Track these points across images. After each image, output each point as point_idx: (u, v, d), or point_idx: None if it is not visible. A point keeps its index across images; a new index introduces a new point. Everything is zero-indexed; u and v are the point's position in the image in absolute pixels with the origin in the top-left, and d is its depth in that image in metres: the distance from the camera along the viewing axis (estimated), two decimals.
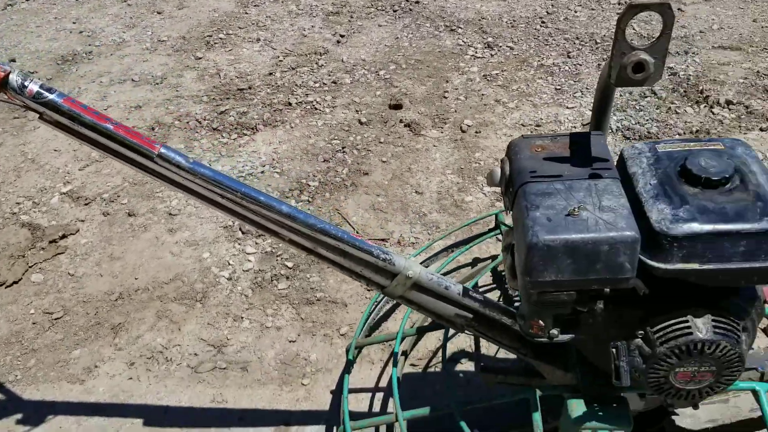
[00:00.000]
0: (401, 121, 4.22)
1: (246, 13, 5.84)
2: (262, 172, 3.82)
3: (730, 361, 1.84)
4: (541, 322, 1.84)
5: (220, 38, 5.40)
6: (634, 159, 1.93)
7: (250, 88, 4.38)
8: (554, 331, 1.85)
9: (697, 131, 3.95)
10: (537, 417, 2.14)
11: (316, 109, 4.36)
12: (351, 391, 2.70)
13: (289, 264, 3.26)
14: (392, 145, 3.93)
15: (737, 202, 1.73)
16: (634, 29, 5.17)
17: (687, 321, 1.84)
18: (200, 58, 5.04)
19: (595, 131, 2.05)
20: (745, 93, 4.09)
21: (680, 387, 1.90)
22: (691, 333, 1.81)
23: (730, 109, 4.13)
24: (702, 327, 1.83)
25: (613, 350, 1.84)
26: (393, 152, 3.97)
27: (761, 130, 3.94)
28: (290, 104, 4.39)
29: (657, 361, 1.84)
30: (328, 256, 2.01)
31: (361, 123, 4.22)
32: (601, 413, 2.05)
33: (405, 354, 2.65)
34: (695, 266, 1.71)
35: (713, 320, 1.83)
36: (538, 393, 2.21)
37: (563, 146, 1.96)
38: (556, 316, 1.85)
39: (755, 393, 2.14)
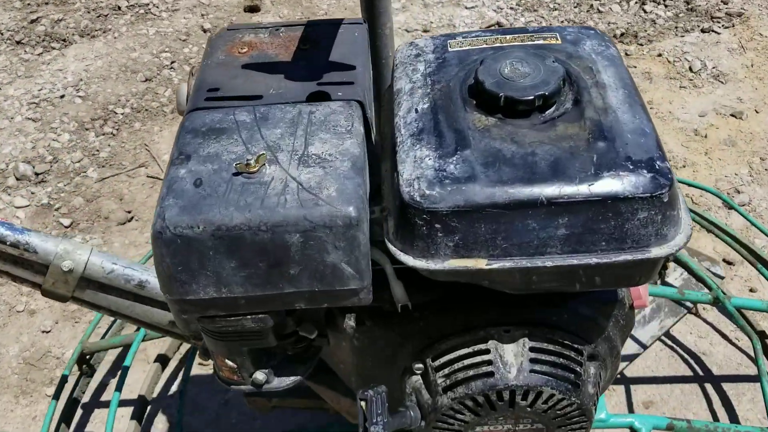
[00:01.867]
0: None
1: None
2: (62, 96, 2.94)
3: (566, 417, 1.07)
4: (229, 362, 1.04)
5: None
6: (407, 66, 1.09)
7: None
8: (259, 376, 1.05)
9: (622, 35, 3.11)
10: None
11: (150, 13, 3.44)
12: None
13: (66, 221, 2.45)
14: None
15: (558, 144, 0.92)
16: None
17: (487, 351, 1.05)
18: None
19: (354, 19, 1.20)
20: None
21: None
22: (491, 372, 1.03)
23: (666, 6, 3.28)
24: (511, 361, 1.04)
25: (361, 404, 1.05)
26: None
27: (702, 31, 3.10)
28: (119, 8, 3.46)
29: (440, 417, 1.06)
30: None
31: (204, 30, 3.32)
32: None
33: (164, 359, 1.86)
34: (481, 264, 0.91)
35: (531, 349, 1.04)
36: None
37: (285, 45, 1.11)
38: (258, 352, 1.05)
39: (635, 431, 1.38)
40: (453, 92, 0.99)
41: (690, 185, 2.27)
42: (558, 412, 1.05)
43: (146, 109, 2.95)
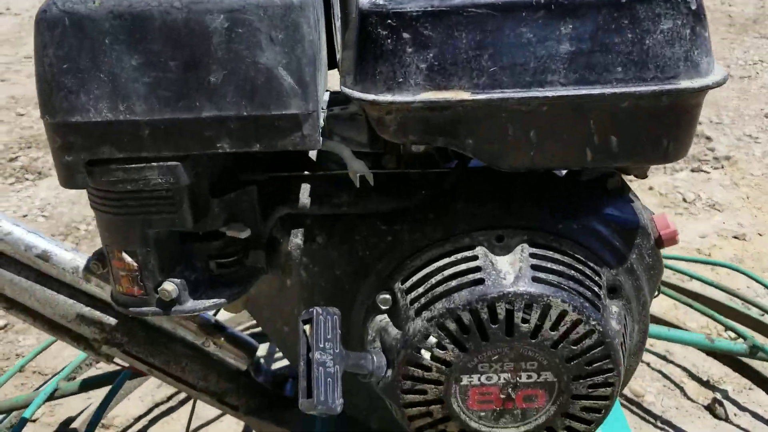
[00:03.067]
0: None
1: None
2: (25, 216, 2.78)
3: (584, 357, 0.78)
4: (128, 260, 0.77)
5: None
6: None
7: None
8: (168, 287, 0.77)
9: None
10: None
11: None
12: None
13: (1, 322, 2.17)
14: None
15: None
16: None
17: (474, 257, 0.79)
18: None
19: None
20: None
21: (478, 427, 0.81)
22: (481, 279, 0.76)
23: None
24: (506, 269, 0.78)
25: (304, 327, 0.77)
26: None
27: (692, 171, 3.05)
28: None
29: (411, 356, 0.77)
30: None
31: None
32: None
33: None
34: (462, 95, 0.70)
35: (533, 255, 0.79)
36: None
37: None
38: (169, 252, 0.79)
39: None
40: None
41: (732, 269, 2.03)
42: (573, 346, 0.76)
43: None
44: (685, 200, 2.82)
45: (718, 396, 1.84)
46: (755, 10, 5.43)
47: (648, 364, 1.97)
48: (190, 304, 0.79)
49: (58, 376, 1.48)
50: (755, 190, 2.89)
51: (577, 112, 0.72)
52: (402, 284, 0.81)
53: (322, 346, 0.74)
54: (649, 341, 2.00)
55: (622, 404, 1.86)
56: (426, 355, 0.77)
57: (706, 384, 1.90)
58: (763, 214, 2.72)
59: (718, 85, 0.72)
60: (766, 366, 1.63)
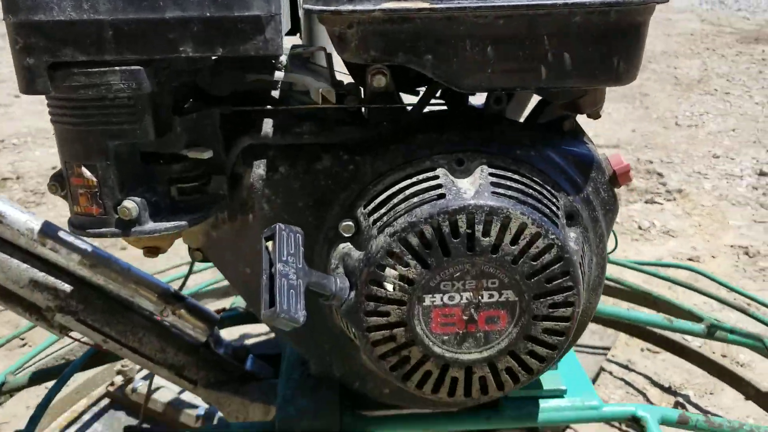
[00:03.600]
0: None
1: None
2: None
3: (545, 274, 0.78)
4: (87, 174, 0.76)
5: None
6: None
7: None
8: (129, 205, 0.77)
9: None
10: None
11: None
12: None
13: None
14: None
15: None
16: None
17: (435, 177, 0.81)
18: None
19: None
20: None
21: (441, 352, 0.81)
22: (442, 194, 0.77)
23: None
24: (466, 187, 0.79)
25: (266, 244, 0.76)
26: None
27: (646, 202, 3.13)
28: None
29: (374, 273, 0.77)
30: None
31: None
32: None
33: None
34: (422, 3, 0.73)
35: (492, 174, 0.80)
36: None
37: None
38: (130, 169, 0.79)
39: (636, 421, 1.04)
40: None
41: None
42: (532, 261, 0.77)
43: None
44: (640, 228, 2.89)
45: (680, 400, 1.84)
46: (699, 72, 5.70)
47: (611, 373, 1.97)
48: (150, 225, 0.78)
49: (6, 369, 1.42)
50: (707, 219, 2.98)
51: (531, 26, 0.75)
52: (364, 209, 0.82)
53: (284, 259, 0.74)
54: (611, 352, 2.01)
55: None
56: (388, 272, 0.77)
57: (668, 390, 1.91)
58: (715, 239, 2.79)
59: (663, 1, 0.76)
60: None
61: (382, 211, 0.80)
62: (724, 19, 7.89)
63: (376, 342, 0.80)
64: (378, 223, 0.79)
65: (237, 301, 1.64)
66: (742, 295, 1.86)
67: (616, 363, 2.01)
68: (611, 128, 4.17)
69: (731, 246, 2.73)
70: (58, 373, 1.36)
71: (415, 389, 0.83)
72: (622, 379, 1.95)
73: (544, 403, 1.04)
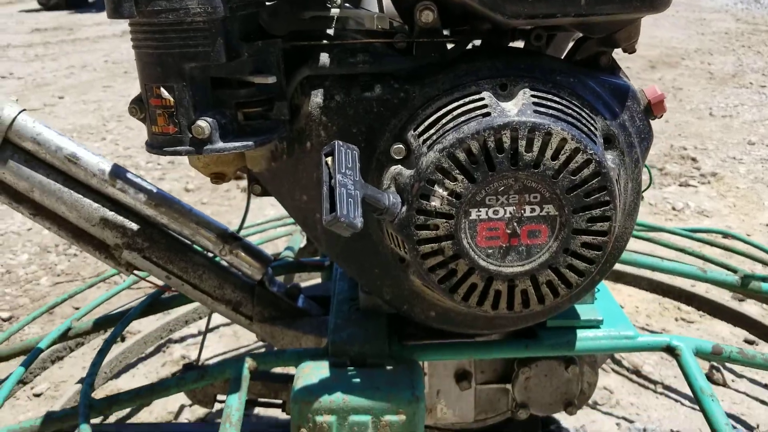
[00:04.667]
0: None
1: None
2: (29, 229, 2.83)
3: (584, 188, 0.84)
4: (165, 93, 0.84)
5: None
6: None
7: None
8: (202, 123, 0.85)
9: None
10: None
11: None
12: None
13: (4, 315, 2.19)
14: None
15: None
16: None
17: (481, 98, 0.87)
18: None
19: None
20: None
21: (486, 265, 0.87)
22: (488, 113, 0.84)
23: None
24: (510, 107, 0.86)
25: (326, 159, 0.83)
26: None
27: (680, 185, 3.15)
28: None
29: (424, 188, 0.83)
30: None
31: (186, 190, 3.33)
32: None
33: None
34: None
35: (534, 96, 0.87)
36: None
37: None
38: (203, 92, 0.87)
39: (671, 351, 1.08)
40: None
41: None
42: (572, 176, 0.83)
43: None
44: (674, 208, 2.91)
45: (715, 363, 1.87)
46: (734, 68, 5.67)
47: None
48: (221, 144, 0.86)
49: (73, 316, 1.51)
50: (741, 200, 2.99)
51: None
52: (414, 131, 0.89)
53: (343, 171, 0.80)
54: (644, 319, 2.05)
55: (619, 373, 1.90)
56: (438, 188, 0.84)
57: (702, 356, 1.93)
58: (750, 219, 2.81)
59: None
60: None
61: (432, 131, 0.86)
62: (759, 18, 7.82)
63: (425, 255, 0.86)
64: (428, 142, 0.86)
65: (285, 253, 1.72)
66: None
67: (651, 331, 2.05)
68: None
69: (767, 225, 2.74)
70: (119, 319, 1.44)
71: (462, 302, 0.89)
72: None
73: (581, 333, 1.09)
